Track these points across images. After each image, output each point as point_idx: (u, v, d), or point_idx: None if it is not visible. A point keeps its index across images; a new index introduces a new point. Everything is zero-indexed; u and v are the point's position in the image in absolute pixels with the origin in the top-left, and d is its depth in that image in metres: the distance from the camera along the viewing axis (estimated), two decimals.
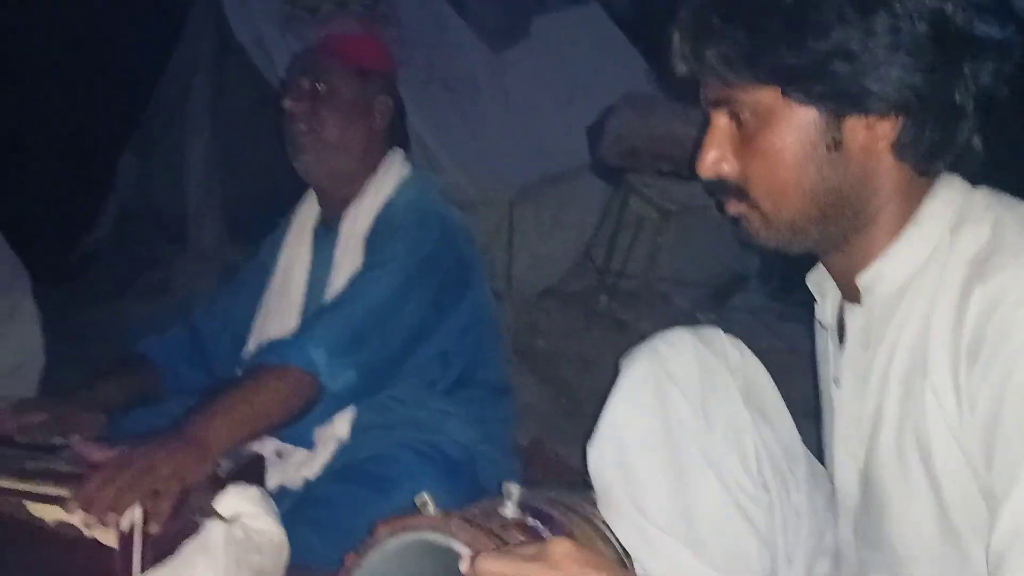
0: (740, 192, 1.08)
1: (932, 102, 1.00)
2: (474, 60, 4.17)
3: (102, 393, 1.75)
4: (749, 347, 1.26)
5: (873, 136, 1.02)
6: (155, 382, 1.89)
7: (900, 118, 1.01)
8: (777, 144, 1.04)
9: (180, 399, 1.80)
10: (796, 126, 1.03)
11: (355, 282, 1.72)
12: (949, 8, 0.99)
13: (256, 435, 1.53)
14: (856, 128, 1.02)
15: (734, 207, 1.10)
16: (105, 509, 1.24)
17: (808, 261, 1.19)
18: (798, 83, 1.01)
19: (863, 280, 1.08)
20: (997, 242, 0.98)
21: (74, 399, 1.71)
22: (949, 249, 1.01)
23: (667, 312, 3.85)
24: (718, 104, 1.07)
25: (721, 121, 1.08)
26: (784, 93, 1.02)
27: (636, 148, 3.70)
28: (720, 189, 1.10)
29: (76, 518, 1.25)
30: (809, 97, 1.01)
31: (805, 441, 1.27)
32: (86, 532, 1.25)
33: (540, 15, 4.40)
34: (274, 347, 1.63)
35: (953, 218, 1.03)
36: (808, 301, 1.25)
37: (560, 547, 0.93)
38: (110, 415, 1.71)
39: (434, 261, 1.76)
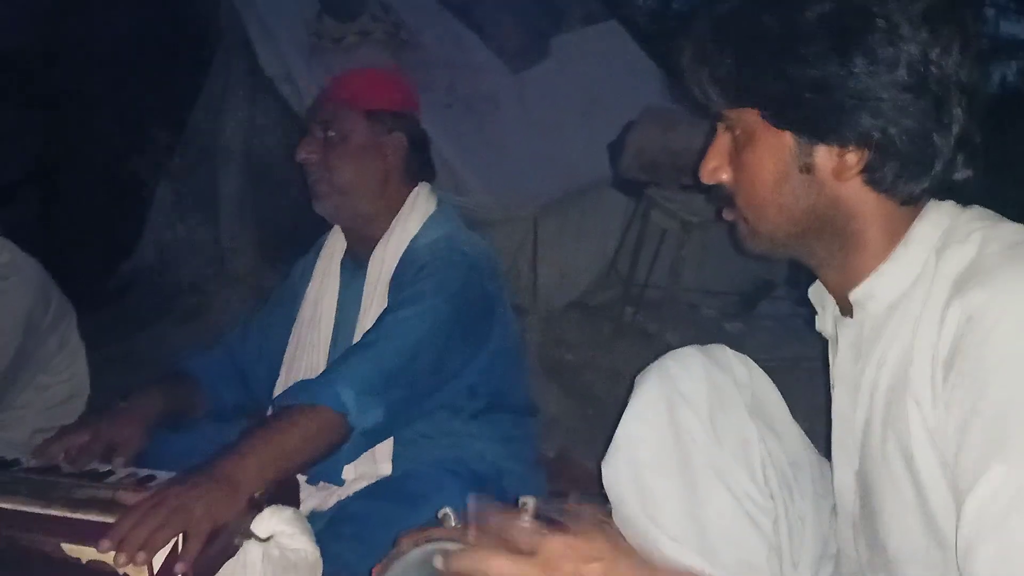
0: (731, 201, 1.17)
1: (900, 143, 1.05)
2: (495, 81, 4.24)
3: (142, 403, 1.79)
4: (776, 355, 1.32)
5: (843, 165, 1.08)
6: (197, 399, 1.92)
7: (866, 152, 1.06)
8: (757, 162, 1.12)
9: (216, 425, 1.86)
10: (774, 147, 1.10)
11: (383, 322, 1.74)
12: (935, 54, 1.03)
13: (286, 473, 1.55)
14: (827, 156, 1.09)
15: (727, 214, 1.19)
16: (137, 548, 1.27)
17: None
18: (774, 109, 1.08)
19: (855, 296, 1.14)
20: (978, 262, 1.03)
21: (114, 413, 1.75)
22: (935, 270, 1.06)
23: (693, 321, 3.88)
24: (718, 119, 1.16)
25: (723, 133, 1.16)
26: (763, 116, 1.10)
27: (656, 162, 3.74)
28: (719, 196, 1.19)
29: (109, 557, 1.28)
30: (783, 123, 1.09)
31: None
32: (120, 570, 1.28)
33: (559, 34, 4.46)
34: (304, 387, 1.66)
35: (940, 240, 1.08)
36: None
37: (554, 545, 0.96)
38: (151, 429, 1.75)
39: (461, 299, 1.77)
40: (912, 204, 1.10)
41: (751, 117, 1.11)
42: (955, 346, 0.99)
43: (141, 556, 1.27)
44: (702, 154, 1.19)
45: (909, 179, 1.07)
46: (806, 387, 1.33)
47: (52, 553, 1.31)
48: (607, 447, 1.28)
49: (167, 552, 1.31)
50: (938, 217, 1.10)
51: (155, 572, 1.29)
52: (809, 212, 1.11)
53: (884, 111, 1.04)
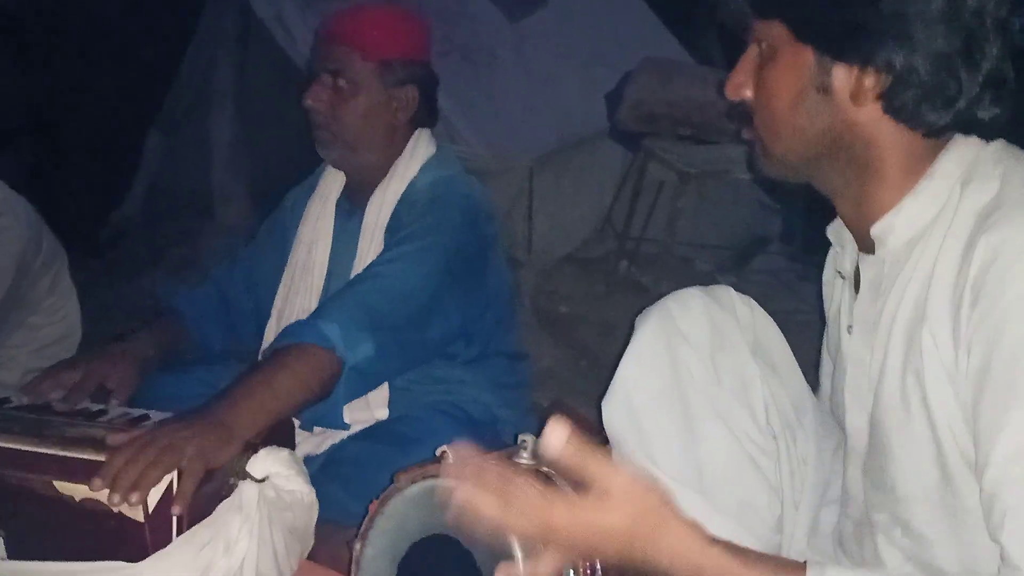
0: (751, 120, 1.15)
1: (923, 72, 1.02)
2: (492, 30, 4.17)
3: (135, 346, 1.77)
4: (770, 308, 1.31)
5: (860, 88, 1.05)
6: (185, 337, 1.90)
7: (886, 77, 1.04)
8: (776, 78, 1.10)
9: (207, 367, 1.85)
10: (794, 65, 1.08)
11: (372, 263, 1.74)
12: None
13: (280, 416, 1.53)
14: (845, 77, 1.06)
15: (746, 132, 1.17)
16: (129, 487, 1.26)
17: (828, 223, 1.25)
18: (798, 21, 1.07)
19: (876, 231, 1.11)
20: (1003, 196, 1.01)
21: (107, 352, 1.73)
22: (958, 203, 1.04)
23: (688, 276, 3.87)
24: (752, 33, 1.14)
25: (752, 50, 1.14)
26: (788, 28, 1.08)
27: (654, 113, 3.71)
28: (739, 114, 1.17)
29: (102, 495, 1.27)
30: (805, 36, 1.07)
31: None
32: (113, 508, 1.28)
33: None
34: (290, 329, 1.65)
35: (964, 174, 1.06)
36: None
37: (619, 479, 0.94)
38: (144, 372, 1.74)
39: (457, 241, 1.75)
40: (935, 137, 1.07)
41: (777, 30, 1.09)
42: (978, 284, 0.97)
43: (135, 496, 1.26)
44: (714, 110, 1.18)
45: (929, 111, 1.04)
46: (798, 341, 1.33)
47: (44, 492, 1.30)
48: (600, 397, 1.27)
49: (162, 491, 1.29)
50: (963, 151, 1.07)
51: (150, 511, 1.28)
52: (824, 135, 1.09)
53: (912, 38, 1.01)
